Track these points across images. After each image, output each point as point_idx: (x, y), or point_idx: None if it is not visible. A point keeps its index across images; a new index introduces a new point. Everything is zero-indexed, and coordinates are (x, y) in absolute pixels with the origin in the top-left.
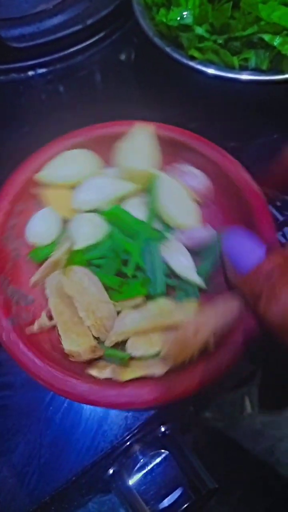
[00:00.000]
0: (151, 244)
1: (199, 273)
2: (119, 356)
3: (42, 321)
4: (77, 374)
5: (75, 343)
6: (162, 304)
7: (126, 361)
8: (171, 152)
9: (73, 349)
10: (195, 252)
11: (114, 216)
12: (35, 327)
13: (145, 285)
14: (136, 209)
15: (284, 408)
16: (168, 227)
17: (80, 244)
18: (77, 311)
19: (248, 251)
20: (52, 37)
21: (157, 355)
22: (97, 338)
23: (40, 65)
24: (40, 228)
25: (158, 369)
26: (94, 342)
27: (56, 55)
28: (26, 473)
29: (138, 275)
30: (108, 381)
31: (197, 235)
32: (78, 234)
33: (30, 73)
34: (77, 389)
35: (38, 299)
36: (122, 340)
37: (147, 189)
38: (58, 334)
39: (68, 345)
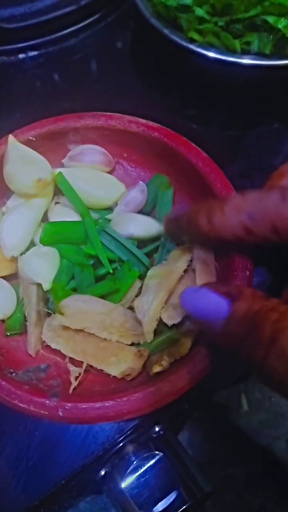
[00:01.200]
0: (103, 233)
1: (158, 219)
2: (168, 338)
3: (75, 375)
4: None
5: (121, 363)
6: (157, 270)
7: (177, 337)
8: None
9: (123, 369)
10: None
11: (53, 235)
12: (75, 384)
13: (131, 267)
14: (64, 213)
15: None
16: (103, 209)
17: (46, 282)
18: (96, 338)
19: (213, 303)
20: (44, 18)
21: None
22: (131, 345)
23: (32, 48)
24: None
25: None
26: (134, 349)
27: (48, 37)
28: (13, 476)
29: (117, 266)
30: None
31: (132, 198)
32: (37, 274)
33: (21, 56)
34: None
35: (49, 359)
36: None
37: (60, 190)
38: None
39: (116, 370)
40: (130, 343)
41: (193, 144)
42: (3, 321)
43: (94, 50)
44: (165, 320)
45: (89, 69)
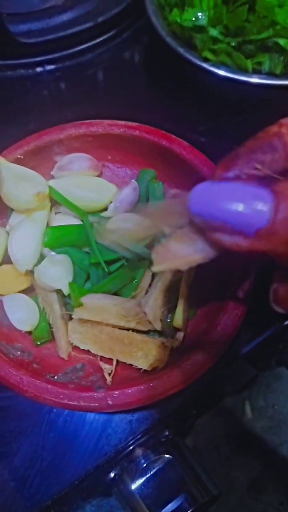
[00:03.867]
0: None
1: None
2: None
3: (108, 372)
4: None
5: (148, 356)
6: None
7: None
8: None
9: (152, 362)
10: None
11: (56, 238)
12: (109, 380)
13: (142, 260)
14: (65, 221)
15: None
16: (99, 211)
17: (66, 287)
18: (120, 336)
19: (247, 198)
20: (62, 33)
21: None
22: (147, 332)
23: (49, 62)
24: (20, 315)
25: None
26: (158, 341)
27: (65, 52)
28: (28, 477)
29: (123, 263)
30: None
31: (125, 196)
32: (56, 281)
33: (38, 69)
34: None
35: (82, 359)
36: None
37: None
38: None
39: (145, 363)
40: (147, 329)
41: (174, 136)
42: (30, 332)
43: (109, 65)
44: None
45: (103, 83)
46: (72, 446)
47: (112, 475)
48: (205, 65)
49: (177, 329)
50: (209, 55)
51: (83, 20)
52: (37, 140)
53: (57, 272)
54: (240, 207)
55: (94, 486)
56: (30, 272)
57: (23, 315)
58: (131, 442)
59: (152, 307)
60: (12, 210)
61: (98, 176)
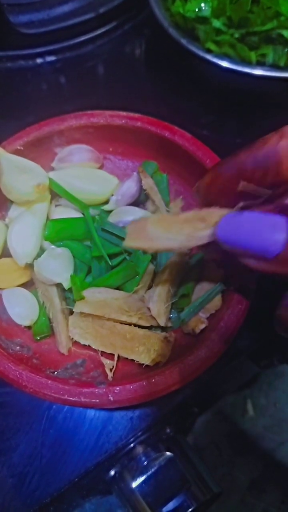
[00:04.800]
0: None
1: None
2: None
3: (109, 367)
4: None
5: (151, 351)
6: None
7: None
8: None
9: (154, 357)
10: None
11: (57, 232)
12: (111, 375)
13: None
14: (66, 214)
15: None
16: (100, 204)
17: (66, 280)
18: (121, 330)
19: (266, 225)
20: (63, 24)
21: None
22: (150, 327)
23: (49, 53)
24: (19, 309)
25: None
26: (161, 335)
27: (66, 43)
28: (27, 474)
29: (125, 257)
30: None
31: (127, 189)
32: (56, 275)
33: (39, 60)
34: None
35: (83, 354)
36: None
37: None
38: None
39: (147, 359)
40: (149, 325)
41: (176, 127)
42: (29, 327)
43: (111, 56)
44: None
45: (104, 75)
46: (72, 443)
47: (112, 473)
48: (208, 56)
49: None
50: (212, 47)
51: (84, 11)
52: (37, 131)
53: (58, 265)
54: (257, 237)
55: (94, 483)
56: (30, 266)
57: (22, 310)
58: (131, 439)
59: (156, 303)
60: (11, 202)
61: (99, 168)
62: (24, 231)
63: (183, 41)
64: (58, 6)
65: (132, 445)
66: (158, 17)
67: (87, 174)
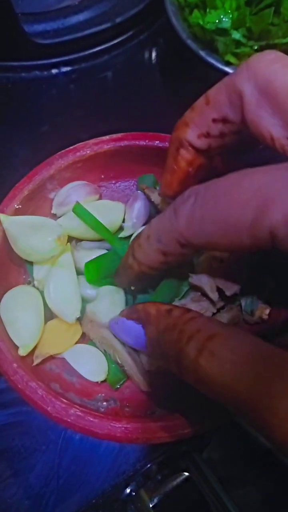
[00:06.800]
0: None
1: None
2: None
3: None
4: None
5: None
6: None
7: None
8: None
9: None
10: None
11: (97, 271)
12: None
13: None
14: (90, 255)
15: None
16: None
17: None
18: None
19: (132, 331)
20: (79, 34)
21: None
22: None
23: (65, 63)
24: (90, 366)
25: None
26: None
27: (81, 54)
28: (43, 495)
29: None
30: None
31: (138, 212)
32: (111, 313)
33: (54, 71)
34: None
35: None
36: None
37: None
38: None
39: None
40: None
41: (164, 134)
42: (103, 380)
43: (126, 67)
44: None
45: (120, 85)
46: (89, 464)
47: (128, 491)
48: (227, 69)
49: None
50: (232, 59)
51: (100, 20)
52: (29, 183)
53: (110, 304)
54: (129, 339)
55: (111, 503)
56: (77, 320)
57: (93, 366)
58: (149, 460)
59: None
60: (30, 263)
61: (99, 199)
62: (62, 288)
63: (202, 53)
64: (73, 15)
65: (149, 465)
66: (176, 28)
67: (92, 210)
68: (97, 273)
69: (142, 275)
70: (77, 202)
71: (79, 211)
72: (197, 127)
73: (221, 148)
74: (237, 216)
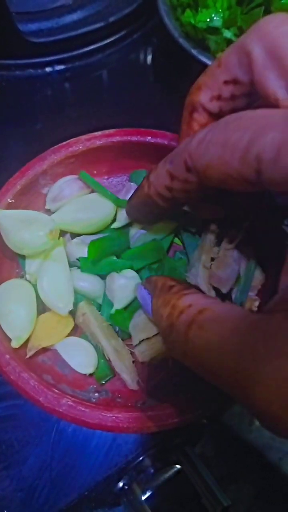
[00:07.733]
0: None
1: None
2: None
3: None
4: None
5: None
6: None
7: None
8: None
9: (153, 354)
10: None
11: (98, 250)
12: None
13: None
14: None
15: None
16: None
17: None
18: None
19: (146, 299)
20: (72, 33)
21: None
22: None
23: (58, 62)
24: (80, 359)
25: None
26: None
27: (75, 52)
28: (36, 487)
29: None
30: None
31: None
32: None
33: (48, 69)
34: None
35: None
36: None
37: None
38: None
39: (145, 356)
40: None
41: (155, 130)
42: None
43: (119, 65)
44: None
45: (113, 84)
46: (81, 456)
47: (120, 484)
48: None
49: None
50: None
51: (94, 19)
52: (22, 178)
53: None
54: (144, 306)
55: (103, 496)
56: (70, 312)
57: (83, 358)
58: (142, 452)
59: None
60: (22, 257)
61: (91, 192)
62: (55, 281)
63: (194, 52)
64: (67, 15)
65: (141, 457)
66: (168, 27)
67: (85, 204)
68: (99, 251)
69: (149, 202)
70: (82, 172)
71: (85, 178)
72: (209, 89)
73: (232, 112)
74: (237, 137)
